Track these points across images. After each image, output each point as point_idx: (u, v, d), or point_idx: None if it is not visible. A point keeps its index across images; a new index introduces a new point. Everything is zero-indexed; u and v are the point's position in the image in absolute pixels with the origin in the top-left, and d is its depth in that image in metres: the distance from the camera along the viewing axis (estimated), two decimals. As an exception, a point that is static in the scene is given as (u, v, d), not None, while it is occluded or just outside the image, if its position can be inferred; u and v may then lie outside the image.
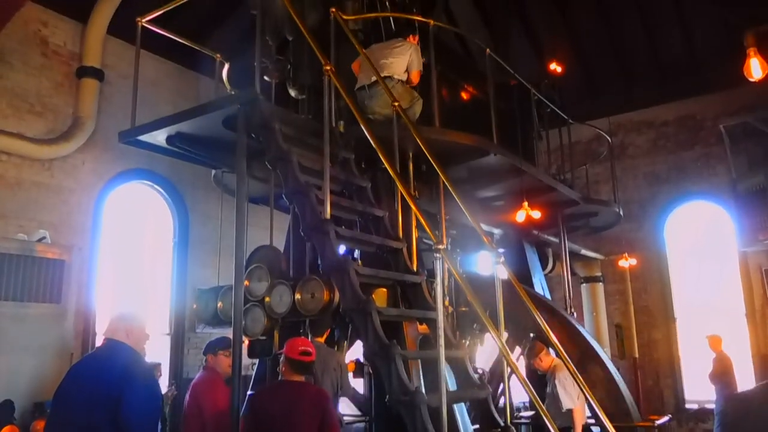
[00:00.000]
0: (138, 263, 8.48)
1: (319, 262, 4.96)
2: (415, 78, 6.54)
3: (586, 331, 7.48)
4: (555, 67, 10.64)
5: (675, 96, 11.99)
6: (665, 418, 7.29)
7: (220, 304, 5.61)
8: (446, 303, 6.16)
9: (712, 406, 10.94)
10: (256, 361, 6.36)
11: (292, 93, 7.08)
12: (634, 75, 12.43)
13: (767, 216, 10.59)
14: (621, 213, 9.85)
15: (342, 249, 5.23)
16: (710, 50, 11.38)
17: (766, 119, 10.63)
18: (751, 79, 5.96)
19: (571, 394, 6.01)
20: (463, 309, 6.68)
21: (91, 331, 6.84)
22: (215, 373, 4.86)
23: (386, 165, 4.70)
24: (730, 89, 10.93)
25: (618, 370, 7.50)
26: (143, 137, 5.81)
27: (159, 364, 6.94)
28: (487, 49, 7.39)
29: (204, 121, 5.48)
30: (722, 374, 9.66)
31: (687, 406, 11.29)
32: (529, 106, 9.03)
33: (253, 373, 6.48)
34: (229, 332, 4.81)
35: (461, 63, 9.72)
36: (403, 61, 6.45)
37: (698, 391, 11.38)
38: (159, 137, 5.78)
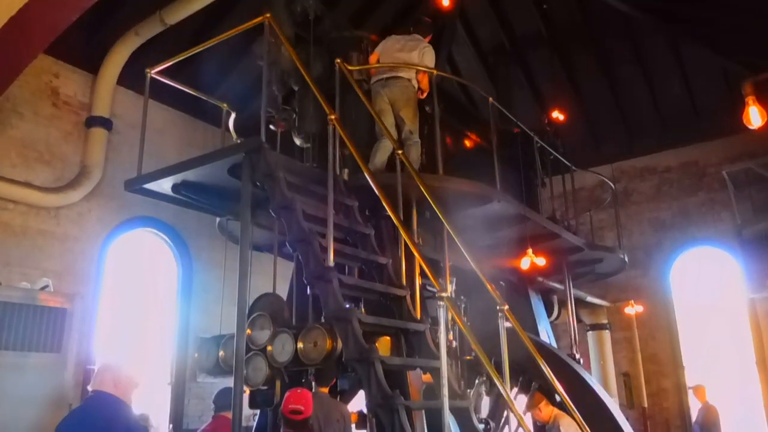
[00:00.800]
0: (140, 311, 8.43)
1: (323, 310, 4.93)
2: (422, 79, 6.65)
3: (593, 380, 7.35)
4: (557, 115, 10.77)
5: (676, 143, 12.11)
6: (677, 471, 7.08)
7: (221, 353, 5.55)
8: (450, 337, 6.08)
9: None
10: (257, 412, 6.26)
11: (298, 141, 7.17)
12: (635, 122, 12.56)
13: (773, 263, 10.54)
14: (626, 259, 9.81)
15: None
16: (710, 98, 11.53)
17: (769, 165, 10.69)
18: (750, 127, 6.03)
19: None
20: (468, 357, 6.59)
21: (89, 382, 6.76)
22: (227, 423, 4.64)
23: (390, 212, 4.73)
24: (731, 136, 11.06)
25: (627, 419, 7.34)
26: (149, 185, 5.86)
27: (148, 416, 6.81)
28: (490, 98, 7.50)
29: (209, 170, 5.54)
30: (711, 425, 9.56)
31: (700, 457, 10.99)
32: (532, 154, 9.10)
33: (254, 424, 6.37)
34: (230, 382, 4.73)
35: (464, 111, 9.85)
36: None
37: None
38: (165, 185, 5.83)
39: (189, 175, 5.67)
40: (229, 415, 4.56)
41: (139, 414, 5.85)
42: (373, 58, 6.82)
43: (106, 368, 3.71)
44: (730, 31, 10.43)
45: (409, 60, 6.60)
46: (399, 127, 6.61)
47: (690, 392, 10.55)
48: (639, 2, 10.88)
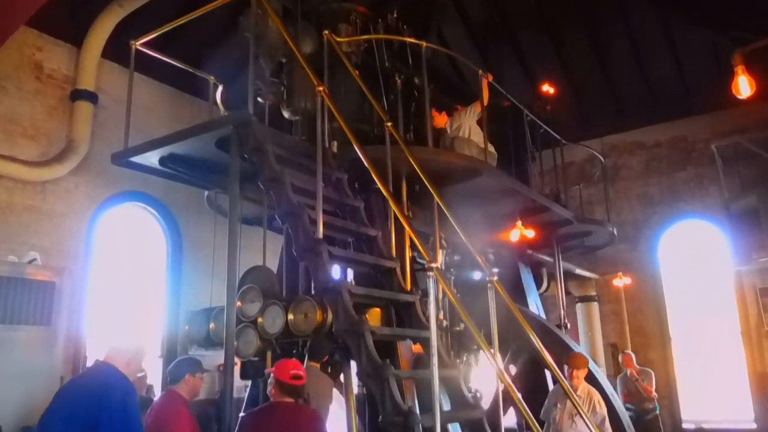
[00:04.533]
0: (130, 286, 8.39)
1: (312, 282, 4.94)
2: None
3: (581, 350, 7.43)
4: (547, 88, 10.73)
5: (666, 117, 12.11)
6: (662, 439, 7.22)
7: (212, 325, 5.56)
8: (440, 316, 6.12)
9: (709, 425, 10.93)
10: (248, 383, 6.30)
11: (286, 115, 7.12)
12: (625, 97, 12.55)
13: (760, 236, 10.63)
14: (615, 233, 9.88)
15: (337, 272, 5.23)
16: (700, 73, 11.52)
17: (757, 140, 10.72)
18: (739, 97, 6.04)
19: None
20: (458, 329, 6.65)
21: (81, 355, 6.75)
22: (179, 399, 4.27)
23: (379, 185, 4.72)
24: (720, 110, 11.09)
25: (614, 389, 7.45)
26: (136, 158, 5.82)
27: (152, 386, 6.83)
28: (480, 70, 7.46)
29: (197, 143, 5.51)
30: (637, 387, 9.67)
31: (684, 426, 11.20)
32: (522, 128, 9.10)
33: (246, 395, 6.42)
34: (221, 354, 4.75)
35: (454, 86, 9.80)
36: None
37: (695, 411, 11.31)
38: (152, 158, 5.79)
39: (176, 148, 5.64)
40: (178, 388, 4.31)
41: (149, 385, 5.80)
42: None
43: (125, 347, 3.71)
44: (720, 4, 10.39)
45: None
46: None
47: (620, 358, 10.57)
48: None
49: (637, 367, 10.05)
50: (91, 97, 8.18)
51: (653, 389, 9.71)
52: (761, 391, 10.55)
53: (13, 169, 7.28)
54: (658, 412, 9.75)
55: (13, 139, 7.55)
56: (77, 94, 8.12)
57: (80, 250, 7.68)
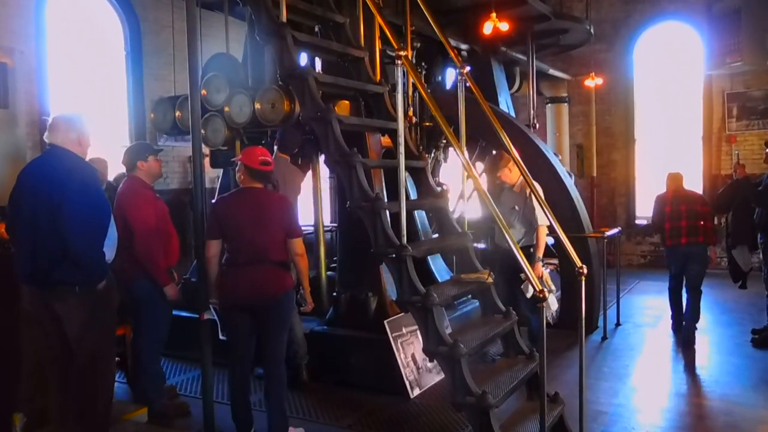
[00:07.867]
0: (89, 72, 7.99)
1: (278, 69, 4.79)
2: None
3: (547, 149, 7.61)
4: None
5: None
6: (615, 231, 7.70)
7: (178, 113, 5.46)
8: (410, 113, 6.11)
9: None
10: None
11: None
12: None
13: (737, 39, 10.45)
14: (592, 31, 9.60)
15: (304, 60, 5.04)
16: None
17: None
18: None
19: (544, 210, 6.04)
20: (427, 124, 6.68)
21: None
22: (139, 182, 4.44)
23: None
24: None
25: (576, 187, 7.77)
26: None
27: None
28: None
29: None
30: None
31: (637, 221, 11.95)
32: None
33: (218, 184, 6.55)
34: (189, 143, 4.70)
35: None
36: None
37: (648, 208, 11.96)
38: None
39: None
40: (137, 174, 4.45)
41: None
42: None
43: (68, 124, 3.51)
44: None
45: None
46: None
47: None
48: None
49: None
50: None
51: None
52: (712, 192, 11.13)
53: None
54: None
55: None
56: None
57: (30, 32, 7.16)
